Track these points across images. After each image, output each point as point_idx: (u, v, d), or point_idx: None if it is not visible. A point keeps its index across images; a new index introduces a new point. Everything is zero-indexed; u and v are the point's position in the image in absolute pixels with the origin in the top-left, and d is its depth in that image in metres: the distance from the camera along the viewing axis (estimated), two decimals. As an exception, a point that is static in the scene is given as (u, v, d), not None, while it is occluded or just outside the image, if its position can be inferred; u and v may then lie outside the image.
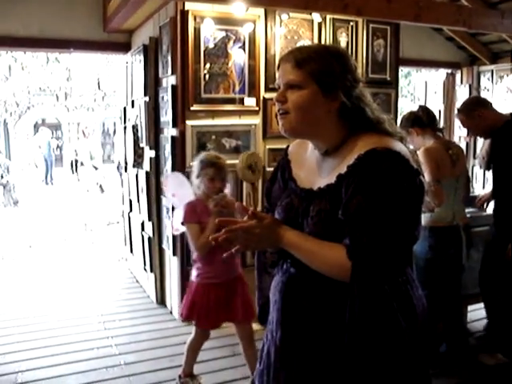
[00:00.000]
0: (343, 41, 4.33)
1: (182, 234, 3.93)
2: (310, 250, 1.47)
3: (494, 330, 3.49)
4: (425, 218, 3.20)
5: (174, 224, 3.48)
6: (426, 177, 3.05)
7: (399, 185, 1.37)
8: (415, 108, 3.47)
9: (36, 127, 19.80)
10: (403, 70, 12.55)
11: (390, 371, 1.49)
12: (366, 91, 1.56)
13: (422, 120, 3.27)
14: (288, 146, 1.77)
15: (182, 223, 2.98)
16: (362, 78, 1.56)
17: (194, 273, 3.05)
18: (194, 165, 3.06)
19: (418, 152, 3.19)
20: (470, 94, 7.02)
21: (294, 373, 1.56)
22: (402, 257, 1.43)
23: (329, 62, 1.48)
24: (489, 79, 7.01)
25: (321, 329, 1.50)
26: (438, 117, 3.53)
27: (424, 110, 3.33)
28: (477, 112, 3.36)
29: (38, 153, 16.58)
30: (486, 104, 3.52)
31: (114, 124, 17.79)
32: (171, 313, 4.29)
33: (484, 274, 3.43)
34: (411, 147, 3.28)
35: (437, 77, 7.44)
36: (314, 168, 1.58)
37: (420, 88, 7.94)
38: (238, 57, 3.92)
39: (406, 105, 13.45)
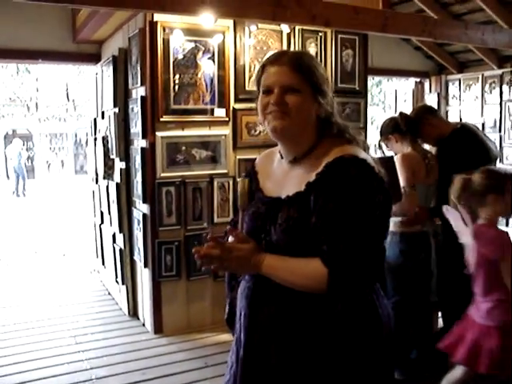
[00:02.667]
0: (312, 51, 4.37)
1: (153, 247, 3.92)
2: (287, 269, 1.48)
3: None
4: (396, 224, 3.24)
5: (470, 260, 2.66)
6: (402, 182, 3.09)
7: (369, 189, 1.40)
8: (393, 115, 3.49)
9: (6, 138, 19.54)
10: (374, 79, 12.73)
11: (356, 378, 1.50)
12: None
13: (400, 127, 3.30)
14: (255, 159, 1.81)
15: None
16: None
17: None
18: (484, 181, 2.56)
19: (395, 158, 3.22)
20: (439, 101, 7.16)
21: (261, 380, 1.56)
22: (377, 262, 1.43)
23: (317, 66, 1.55)
24: (457, 88, 7.16)
25: (287, 333, 1.51)
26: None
27: (403, 116, 3.36)
28: (427, 120, 3.42)
29: (9, 164, 16.31)
30: (434, 112, 3.59)
31: (87, 134, 17.66)
32: (144, 325, 4.25)
33: (440, 281, 3.47)
34: (378, 155, 3.33)
35: (406, 85, 7.57)
36: (282, 178, 1.60)
37: (390, 96, 8.06)
38: (207, 67, 3.93)
39: (378, 113, 13.63)
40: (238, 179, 1.43)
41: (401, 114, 3.43)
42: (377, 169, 1.47)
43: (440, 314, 3.76)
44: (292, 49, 4.25)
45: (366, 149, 1.58)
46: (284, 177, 1.59)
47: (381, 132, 3.45)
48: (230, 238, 1.57)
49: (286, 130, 1.52)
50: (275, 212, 1.53)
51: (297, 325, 1.49)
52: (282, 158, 1.63)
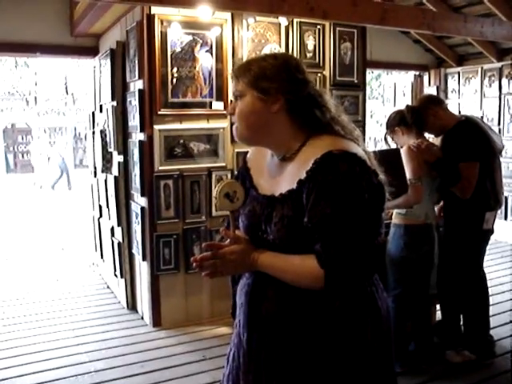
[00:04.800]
0: (310, 44, 4.36)
1: (152, 240, 3.92)
2: (283, 268, 1.48)
3: (446, 327, 3.56)
4: (400, 216, 3.24)
5: None
6: (408, 174, 3.08)
7: (358, 186, 1.38)
8: (399, 108, 3.48)
9: (5, 132, 19.52)
10: (374, 72, 12.70)
11: (356, 371, 1.50)
12: (323, 92, 1.58)
13: (407, 119, 3.30)
14: (246, 154, 1.79)
15: None
16: (324, 81, 1.59)
17: None
18: None
19: (401, 150, 3.22)
20: (438, 95, 7.14)
21: (262, 375, 1.57)
22: (371, 258, 1.43)
23: (264, 67, 1.52)
24: (456, 81, 7.15)
25: (287, 329, 1.51)
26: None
27: (409, 109, 3.34)
28: (431, 110, 3.40)
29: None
30: (440, 103, 3.57)
31: (86, 128, 17.55)
32: (142, 318, 4.26)
33: (440, 274, 3.48)
34: (395, 145, 3.31)
35: (405, 79, 7.56)
36: (275, 175, 1.59)
37: (389, 90, 8.05)
38: (205, 61, 3.93)
39: (378, 107, 13.59)
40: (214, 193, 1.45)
41: (407, 106, 3.41)
42: (369, 162, 1.45)
43: (438, 306, 3.77)
44: (290, 42, 4.25)
45: (361, 144, 1.55)
46: (278, 173, 1.58)
47: (387, 125, 3.44)
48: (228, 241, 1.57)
49: (243, 136, 1.57)
50: (270, 210, 1.52)
51: (297, 321, 1.49)
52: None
